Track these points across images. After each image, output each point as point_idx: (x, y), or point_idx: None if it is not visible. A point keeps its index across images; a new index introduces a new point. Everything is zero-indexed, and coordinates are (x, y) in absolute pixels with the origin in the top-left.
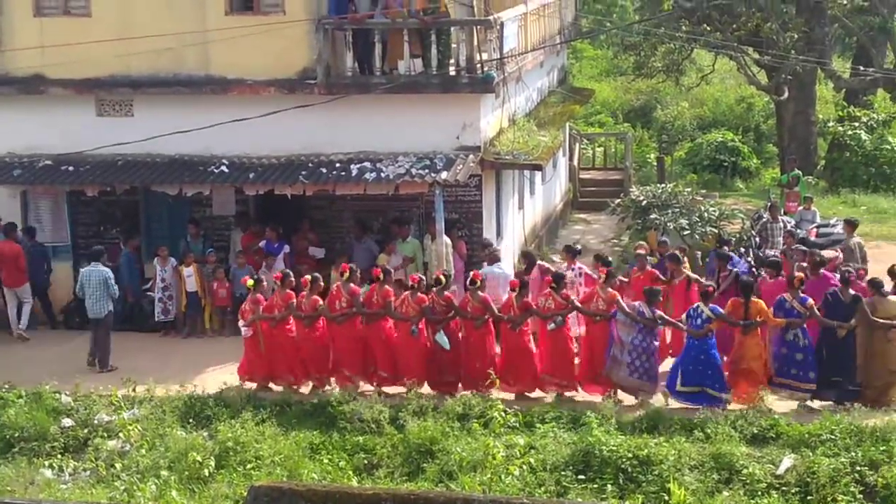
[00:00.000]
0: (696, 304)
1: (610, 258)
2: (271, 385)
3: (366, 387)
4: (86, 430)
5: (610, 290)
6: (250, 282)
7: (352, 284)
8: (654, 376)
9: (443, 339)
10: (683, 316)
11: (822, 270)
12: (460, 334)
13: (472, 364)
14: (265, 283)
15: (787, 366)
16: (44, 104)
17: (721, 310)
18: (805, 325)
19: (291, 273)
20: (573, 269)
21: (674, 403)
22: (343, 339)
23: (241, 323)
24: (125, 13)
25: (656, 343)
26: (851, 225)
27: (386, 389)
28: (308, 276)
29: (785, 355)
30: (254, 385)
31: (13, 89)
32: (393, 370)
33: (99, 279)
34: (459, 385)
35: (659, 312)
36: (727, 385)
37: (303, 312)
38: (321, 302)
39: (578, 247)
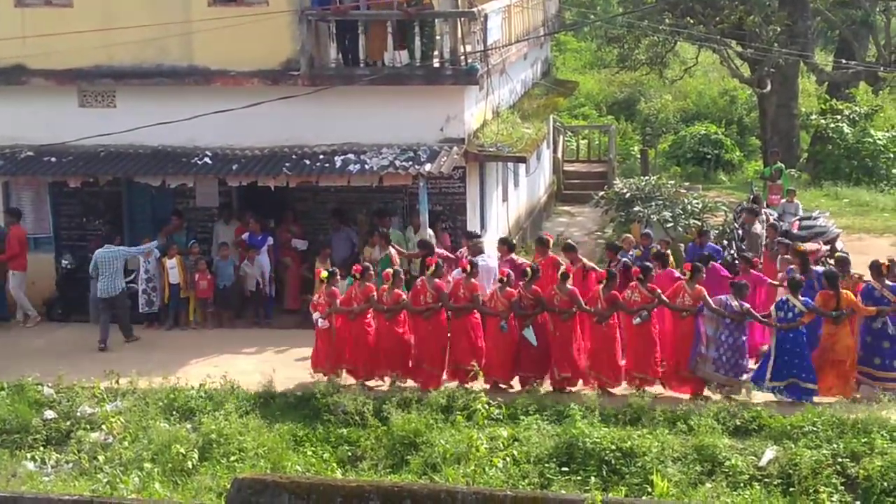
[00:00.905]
0: (785, 297)
1: (514, 241)
2: (343, 378)
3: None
4: (68, 423)
5: (697, 285)
6: (324, 273)
7: (437, 279)
8: (741, 372)
9: (530, 334)
10: (773, 309)
11: (712, 263)
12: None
13: (558, 357)
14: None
15: (870, 355)
16: (25, 95)
17: (812, 302)
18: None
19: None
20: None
21: (757, 396)
22: (427, 334)
23: (315, 315)
24: (107, 3)
25: (744, 338)
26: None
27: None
28: (390, 270)
29: (869, 344)
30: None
31: None
32: (480, 364)
33: (113, 258)
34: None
35: (746, 306)
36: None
37: (385, 305)
38: (404, 296)
39: (479, 236)
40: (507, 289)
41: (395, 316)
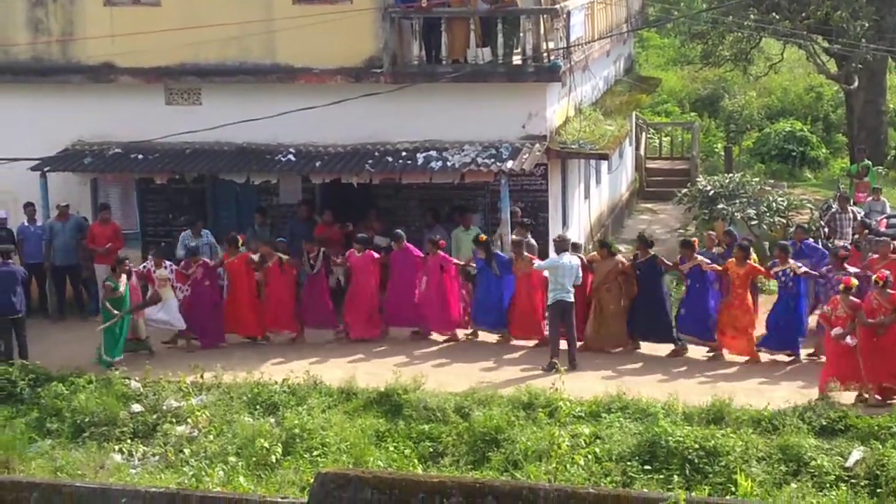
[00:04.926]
0: None
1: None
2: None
3: None
4: (155, 416)
5: None
6: (854, 282)
7: None
8: None
9: None
10: None
11: None
12: None
13: None
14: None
15: None
16: (113, 93)
17: None
18: None
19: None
20: (165, 267)
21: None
22: None
23: (836, 331)
24: (193, 2)
25: None
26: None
27: None
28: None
29: None
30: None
31: (84, 78)
32: None
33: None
34: None
35: None
36: None
37: None
38: None
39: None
40: None
41: None
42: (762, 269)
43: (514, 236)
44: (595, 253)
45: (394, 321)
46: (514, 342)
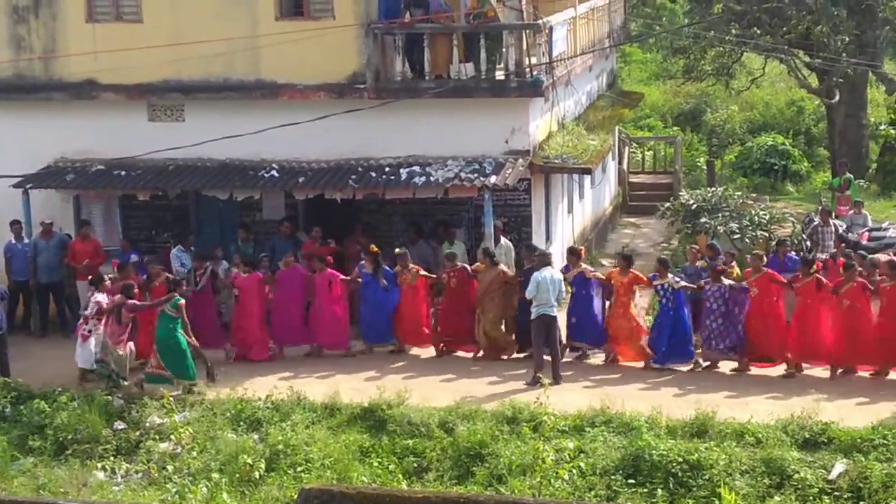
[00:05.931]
0: None
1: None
2: None
3: None
4: (138, 433)
5: None
6: None
7: None
8: None
9: None
10: None
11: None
12: None
13: None
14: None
15: None
16: (96, 109)
17: None
18: None
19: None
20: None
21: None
22: None
23: None
24: (176, 19)
25: None
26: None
27: None
28: None
29: None
30: None
31: (66, 94)
32: None
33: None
34: None
35: None
36: None
37: None
38: None
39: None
40: None
41: None
42: (644, 278)
43: (398, 250)
44: (479, 263)
45: (282, 340)
46: (503, 357)
